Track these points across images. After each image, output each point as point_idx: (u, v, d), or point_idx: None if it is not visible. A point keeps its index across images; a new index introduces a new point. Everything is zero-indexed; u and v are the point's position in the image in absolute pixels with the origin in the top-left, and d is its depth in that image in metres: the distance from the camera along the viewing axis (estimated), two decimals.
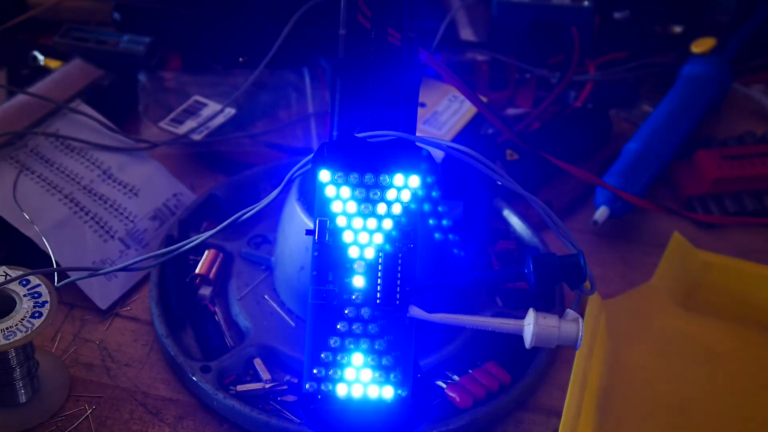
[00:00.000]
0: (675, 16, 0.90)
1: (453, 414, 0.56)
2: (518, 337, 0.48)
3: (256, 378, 0.58)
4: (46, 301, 0.54)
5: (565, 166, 0.66)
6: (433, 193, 0.60)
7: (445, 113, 0.79)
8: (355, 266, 0.48)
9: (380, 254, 0.48)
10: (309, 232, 0.48)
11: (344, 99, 0.50)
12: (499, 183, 0.48)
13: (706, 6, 0.90)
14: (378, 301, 0.48)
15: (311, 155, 0.48)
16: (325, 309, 0.48)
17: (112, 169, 0.70)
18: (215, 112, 0.77)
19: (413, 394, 0.48)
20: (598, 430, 0.56)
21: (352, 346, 0.47)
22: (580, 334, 0.46)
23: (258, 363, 0.59)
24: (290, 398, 0.57)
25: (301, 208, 0.59)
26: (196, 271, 0.64)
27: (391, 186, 0.48)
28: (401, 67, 0.51)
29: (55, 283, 0.55)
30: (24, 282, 0.55)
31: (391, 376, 0.48)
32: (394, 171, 0.48)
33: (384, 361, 0.47)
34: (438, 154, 0.50)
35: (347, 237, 0.48)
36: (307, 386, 0.47)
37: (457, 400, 0.57)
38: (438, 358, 0.59)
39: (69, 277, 0.56)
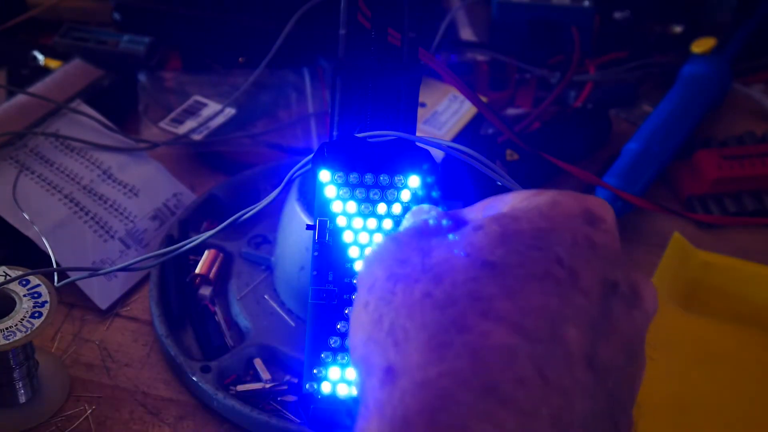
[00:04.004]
0: (675, 16, 0.90)
1: None
2: None
3: (256, 378, 0.58)
4: (46, 301, 0.54)
5: (565, 166, 0.66)
6: (433, 193, 0.60)
7: (445, 113, 0.79)
8: (356, 266, 0.48)
9: None
10: (309, 227, 0.48)
11: (344, 99, 0.50)
12: (499, 183, 0.48)
13: (706, 6, 0.91)
14: None
15: (311, 155, 0.48)
16: (325, 309, 0.48)
17: (112, 169, 0.70)
18: (215, 112, 0.77)
19: None
20: None
21: None
22: None
23: (258, 363, 0.59)
24: (290, 398, 0.57)
25: (301, 208, 0.59)
26: (196, 271, 0.64)
27: (391, 186, 0.48)
28: (401, 67, 0.51)
29: (55, 283, 0.55)
30: (24, 282, 0.55)
31: None
32: (394, 171, 0.48)
33: None
34: (438, 154, 0.50)
35: (347, 237, 0.48)
36: (307, 386, 0.47)
37: None
38: None
39: (69, 277, 0.56)
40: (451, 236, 0.37)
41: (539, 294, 0.33)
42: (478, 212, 0.39)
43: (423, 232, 0.38)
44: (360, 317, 0.37)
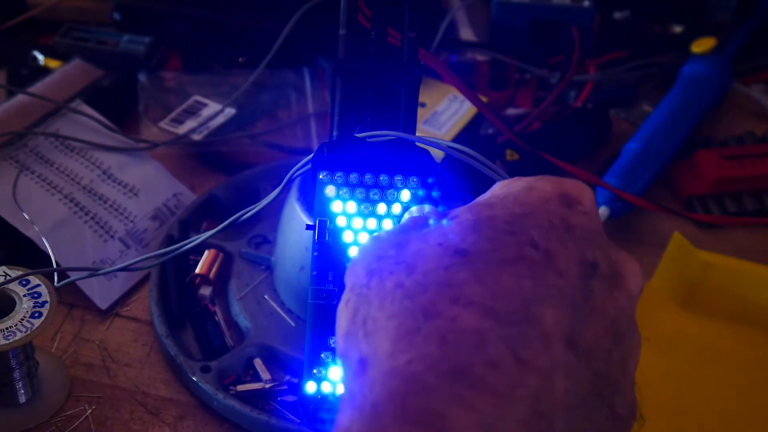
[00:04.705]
0: (675, 16, 0.90)
1: None
2: None
3: (256, 378, 0.58)
4: (46, 301, 0.54)
5: (565, 166, 0.66)
6: (433, 193, 0.60)
7: (445, 113, 0.79)
8: None
9: None
10: (309, 227, 0.48)
11: (344, 99, 0.50)
12: None
13: (706, 6, 0.91)
14: None
15: (311, 155, 0.48)
16: (325, 309, 0.48)
17: (112, 169, 0.70)
18: (215, 112, 0.77)
19: None
20: None
21: None
22: None
23: (258, 363, 0.59)
24: (290, 398, 0.57)
25: (301, 208, 0.59)
26: (196, 271, 0.64)
27: (390, 186, 0.48)
28: (401, 67, 0.51)
29: (55, 283, 0.55)
30: (24, 282, 0.55)
31: None
32: (394, 171, 0.48)
33: None
34: (438, 154, 0.50)
35: (347, 237, 0.48)
36: (307, 386, 0.47)
37: None
38: None
39: (69, 277, 0.56)
40: (427, 229, 0.37)
41: (512, 277, 0.33)
42: None
43: (404, 229, 0.38)
44: (341, 314, 0.37)
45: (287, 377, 0.58)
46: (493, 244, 0.34)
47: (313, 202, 0.49)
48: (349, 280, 0.38)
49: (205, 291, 0.63)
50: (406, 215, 0.45)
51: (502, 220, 0.35)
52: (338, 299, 0.48)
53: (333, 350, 0.47)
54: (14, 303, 0.54)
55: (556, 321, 0.33)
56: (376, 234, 0.39)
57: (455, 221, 0.36)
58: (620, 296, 0.36)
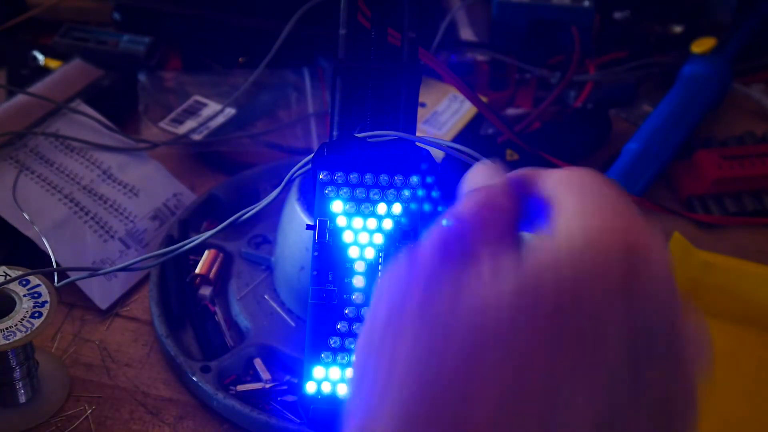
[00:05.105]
0: (675, 16, 0.90)
1: None
2: None
3: (256, 378, 0.58)
4: (46, 301, 0.54)
5: (566, 166, 0.66)
6: (433, 193, 0.60)
7: (445, 113, 0.79)
8: (356, 266, 0.48)
9: (380, 254, 0.48)
10: (309, 227, 0.48)
11: (344, 99, 0.50)
12: None
13: (706, 6, 0.90)
14: None
15: (311, 155, 0.48)
16: (326, 309, 0.48)
17: (112, 169, 0.70)
18: (215, 112, 0.77)
19: None
20: None
21: (352, 346, 0.48)
22: None
23: (258, 363, 0.59)
24: (290, 398, 0.57)
25: (301, 208, 0.59)
26: (196, 271, 0.64)
27: (391, 186, 0.48)
28: (401, 67, 0.51)
29: (55, 283, 0.55)
30: (24, 282, 0.55)
31: None
32: (394, 171, 0.48)
33: None
34: (438, 154, 0.50)
35: (347, 237, 0.48)
36: (307, 386, 0.47)
37: None
38: None
39: (69, 277, 0.56)
40: (470, 277, 0.32)
41: (548, 364, 0.30)
42: (554, 178, 0.36)
43: (447, 259, 0.33)
44: (356, 350, 0.34)
45: (287, 377, 0.58)
46: (537, 325, 0.30)
47: (313, 202, 0.49)
48: (373, 304, 0.34)
49: (205, 291, 0.63)
50: (471, 174, 0.39)
51: (553, 289, 0.30)
52: (339, 299, 0.48)
53: (333, 350, 0.47)
54: (14, 303, 0.54)
55: (589, 425, 0.30)
56: (414, 248, 0.34)
57: (503, 280, 0.31)
58: (676, 373, 0.33)
